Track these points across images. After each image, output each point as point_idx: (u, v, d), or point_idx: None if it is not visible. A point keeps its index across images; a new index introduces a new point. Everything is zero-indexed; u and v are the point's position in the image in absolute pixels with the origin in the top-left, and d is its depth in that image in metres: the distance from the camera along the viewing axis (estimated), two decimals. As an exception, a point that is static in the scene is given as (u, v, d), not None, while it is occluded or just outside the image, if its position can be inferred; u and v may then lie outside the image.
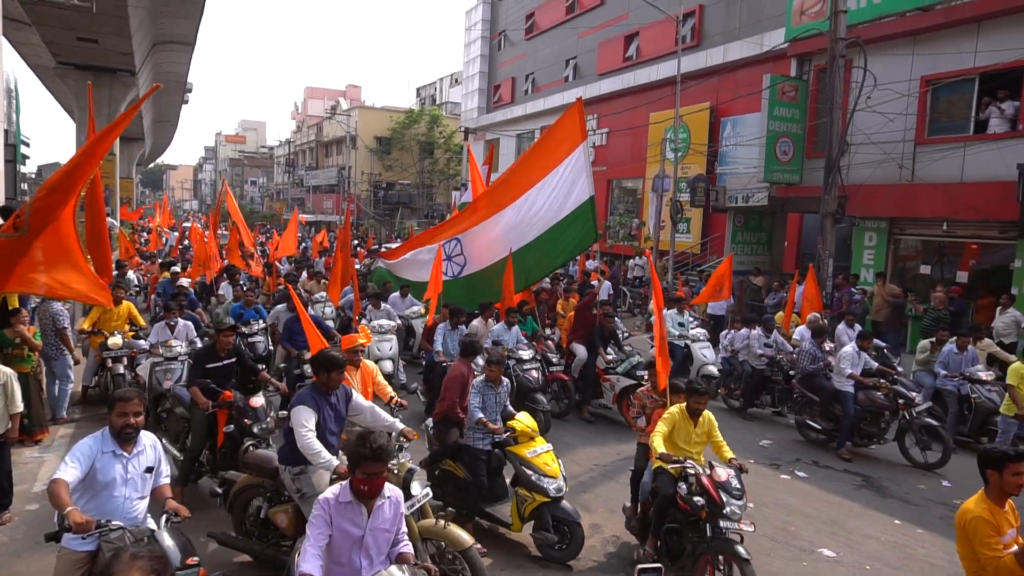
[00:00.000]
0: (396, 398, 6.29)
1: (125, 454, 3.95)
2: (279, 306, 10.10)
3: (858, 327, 11.38)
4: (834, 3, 12.57)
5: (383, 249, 27.28)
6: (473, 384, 6.30)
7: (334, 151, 58.21)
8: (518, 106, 33.28)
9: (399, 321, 11.97)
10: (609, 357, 10.11)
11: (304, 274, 16.16)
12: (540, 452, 5.94)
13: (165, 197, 37.94)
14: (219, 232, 17.75)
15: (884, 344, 11.30)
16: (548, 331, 11.77)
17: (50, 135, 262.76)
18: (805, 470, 8.41)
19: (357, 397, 5.23)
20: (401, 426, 5.29)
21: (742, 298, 16.84)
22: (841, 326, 11.36)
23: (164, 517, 3.93)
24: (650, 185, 22.47)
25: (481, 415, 6.06)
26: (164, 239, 28.89)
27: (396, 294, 12.46)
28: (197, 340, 8.89)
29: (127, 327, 9.50)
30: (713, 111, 20.53)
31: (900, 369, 10.72)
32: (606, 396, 10.19)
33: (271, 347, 10.34)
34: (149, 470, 4.07)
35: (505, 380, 6.45)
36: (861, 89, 12.96)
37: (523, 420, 6.21)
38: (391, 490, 3.72)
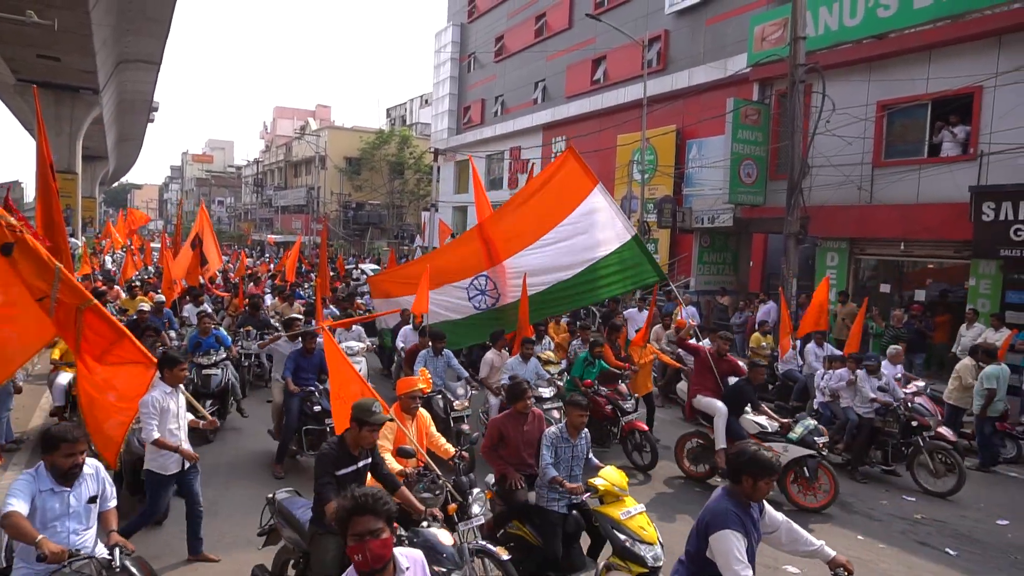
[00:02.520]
0: (460, 450, 5.63)
1: (66, 489, 3.86)
2: (279, 341, 9.17)
3: (828, 347, 11.56)
4: (793, 30, 12.94)
5: (364, 271, 27.14)
6: (545, 435, 5.46)
7: (303, 171, 57.89)
8: (488, 127, 33.51)
9: (369, 343, 11.80)
10: (759, 419, 8.10)
11: (276, 297, 15.88)
12: (634, 513, 5.15)
13: (129, 211, 37.20)
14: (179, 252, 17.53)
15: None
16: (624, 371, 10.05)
17: (10, 152, 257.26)
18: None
19: None
20: None
21: (709, 318, 17.06)
22: (810, 345, 11.49)
23: (117, 550, 3.82)
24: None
25: (555, 472, 5.25)
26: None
27: (408, 326, 11.33)
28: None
29: None
30: (679, 133, 20.90)
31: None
32: None
33: (234, 378, 9.74)
34: (93, 499, 3.98)
35: (585, 430, 5.58)
36: (820, 113, 13.32)
37: (610, 475, 5.36)
38: (408, 558, 2.88)
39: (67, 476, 3.83)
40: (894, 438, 8.77)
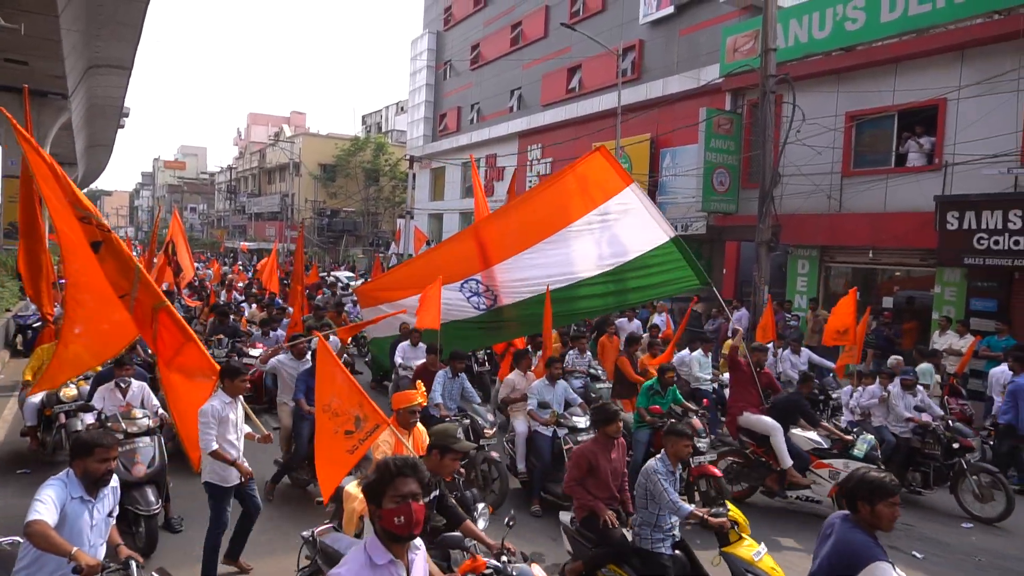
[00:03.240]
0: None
1: (92, 499, 3.76)
2: (280, 356, 8.18)
3: (806, 352, 11.69)
4: (764, 41, 13.17)
5: (339, 279, 26.97)
6: (654, 470, 4.88)
7: (277, 178, 57.40)
8: (464, 135, 33.54)
9: (346, 355, 11.49)
10: (809, 435, 7.83)
11: (253, 306, 15.66)
12: (763, 554, 4.84)
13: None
14: (154, 260, 17.28)
15: (831, 366, 11.68)
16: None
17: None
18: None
19: None
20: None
21: (683, 325, 17.18)
22: (786, 352, 11.61)
23: (134, 564, 3.70)
24: (593, 214, 22.83)
25: (690, 507, 4.82)
26: None
27: (406, 342, 10.60)
28: (159, 407, 6.92)
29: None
30: (653, 142, 21.11)
31: (838, 395, 11.11)
32: (817, 488, 7.58)
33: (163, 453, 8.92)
34: (111, 514, 3.92)
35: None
36: (791, 123, 13.56)
37: (735, 509, 5.06)
38: (416, 539, 2.87)
39: (98, 483, 3.74)
40: (936, 460, 8.10)
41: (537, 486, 7.49)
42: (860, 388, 8.96)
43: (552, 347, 8.77)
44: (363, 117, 62.18)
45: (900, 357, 9.99)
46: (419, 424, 5.50)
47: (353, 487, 4.84)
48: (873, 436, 7.62)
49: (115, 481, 4.00)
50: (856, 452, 7.41)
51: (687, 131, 18.51)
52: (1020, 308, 12.58)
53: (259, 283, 21.18)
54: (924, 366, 10.34)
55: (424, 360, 9.11)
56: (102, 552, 3.84)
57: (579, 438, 7.25)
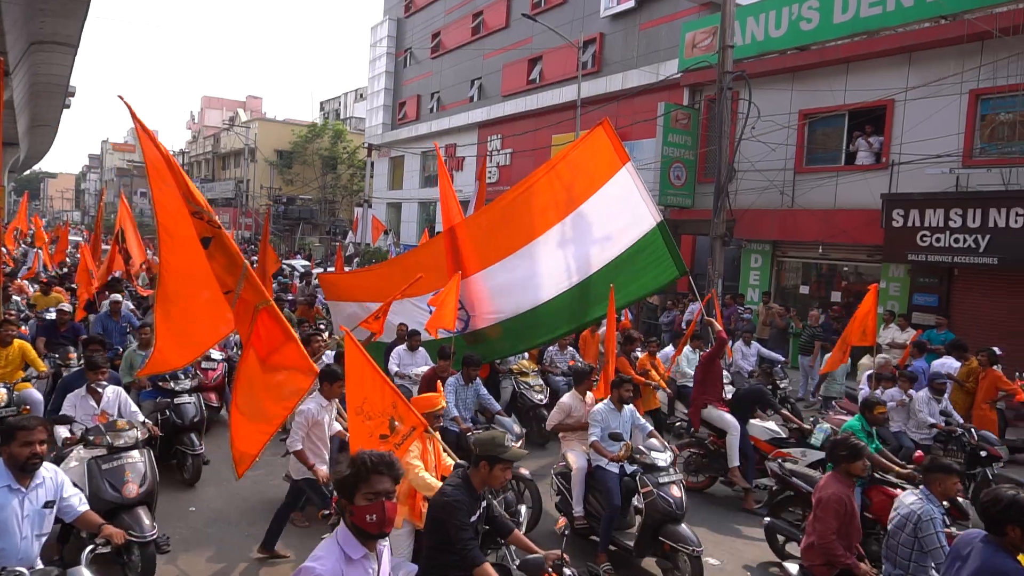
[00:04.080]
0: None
1: (22, 488, 3.61)
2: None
3: (756, 345, 11.91)
4: (722, 38, 13.34)
5: (295, 267, 26.51)
6: (929, 514, 4.18)
7: (232, 163, 56.14)
8: (423, 123, 33.27)
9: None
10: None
11: None
12: None
13: (23, 202, 35.61)
14: (102, 247, 16.75)
15: (781, 359, 11.93)
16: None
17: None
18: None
19: None
20: None
21: (638, 317, 17.42)
22: (738, 344, 11.80)
23: (88, 549, 3.67)
24: (552, 205, 22.91)
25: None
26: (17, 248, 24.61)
27: (402, 347, 9.42)
28: (139, 414, 6.20)
29: (20, 374, 7.66)
30: (612, 135, 21.23)
31: (785, 384, 11.38)
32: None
33: (203, 407, 7.99)
34: (49, 504, 3.74)
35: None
36: (746, 120, 13.79)
37: None
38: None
39: (25, 469, 3.59)
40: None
41: (605, 538, 6.00)
42: (879, 390, 8.51)
43: (614, 360, 7.57)
44: (321, 103, 61.19)
45: (888, 357, 9.81)
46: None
47: None
48: (829, 425, 7.69)
49: (56, 473, 3.88)
50: (813, 441, 7.51)
51: (645, 125, 18.68)
52: (959, 303, 13.09)
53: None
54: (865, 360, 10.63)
55: (428, 366, 8.47)
56: (38, 547, 3.71)
57: (660, 479, 5.92)
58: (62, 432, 5.70)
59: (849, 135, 15.17)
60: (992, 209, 11.87)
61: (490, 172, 27.41)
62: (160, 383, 7.68)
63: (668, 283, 8.75)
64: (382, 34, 37.16)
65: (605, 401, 6.55)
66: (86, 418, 5.81)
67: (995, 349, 9.48)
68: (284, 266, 27.04)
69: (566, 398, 7.03)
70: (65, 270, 19.34)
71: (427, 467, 4.63)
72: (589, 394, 7.02)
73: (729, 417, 7.75)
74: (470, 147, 28.96)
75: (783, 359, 12.15)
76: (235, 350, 10.13)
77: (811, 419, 8.77)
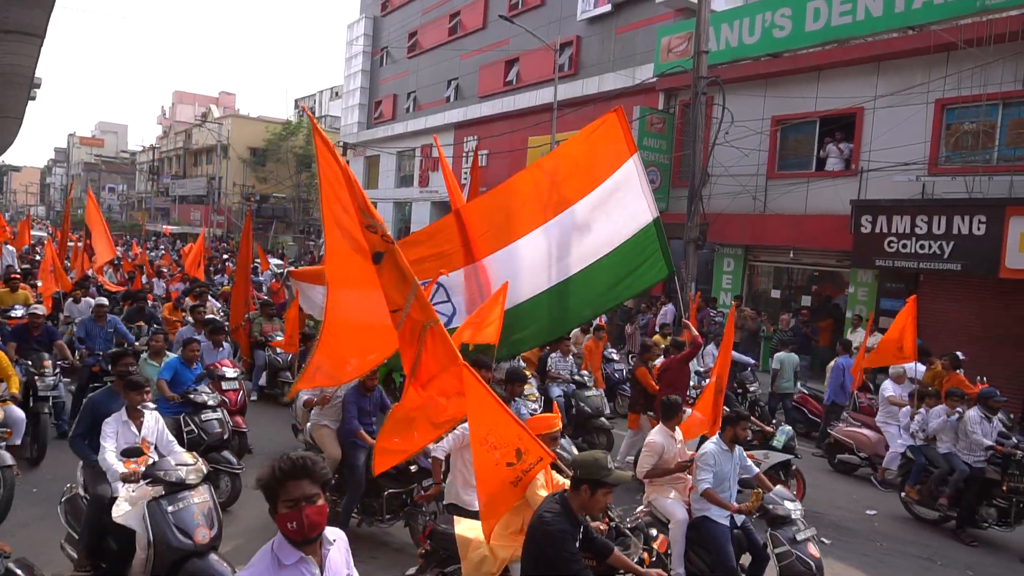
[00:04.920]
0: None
1: None
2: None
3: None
4: (697, 44, 13.48)
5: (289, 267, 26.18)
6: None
7: (204, 160, 55.33)
8: (399, 123, 33.12)
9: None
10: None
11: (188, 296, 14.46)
12: None
13: None
14: (68, 243, 16.42)
15: (751, 362, 12.07)
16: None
17: None
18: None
19: None
20: None
21: (612, 320, 17.52)
22: (709, 347, 11.73)
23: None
24: (528, 207, 22.96)
25: None
26: None
27: None
28: (175, 442, 5.51)
29: None
30: (588, 138, 21.34)
31: (755, 387, 11.53)
32: None
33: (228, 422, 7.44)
34: None
35: None
36: (720, 125, 13.96)
37: None
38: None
39: None
40: (1020, 494, 7.19)
41: None
42: (923, 409, 8.13)
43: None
44: (296, 101, 60.60)
45: (903, 368, 9.30)
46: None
47: (468, 529, 4.42)
48: (790, 428, 7.69)
49: None
50: (775, 443, 7.55)
51: (621, 128, 18.78)
52: (925, 309, 13.34)
53: (182, 269, 20.33)
54: (780, 355, 11.06)
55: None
56: None
57: (796, 535, 5.08)
58: (115, 465, 4.79)
59: (820, 142, 15.43)
60: (956, 216, 12.16)
61: (466, 173, 27.40)
62: (190, 395, 7.02)
63: (659, 281, 8.50)
64: (358, 32, 36.92)
65: (715, 440, 5.60)
66: (129, 447, 5.04)
67: (958, 353, 9.72)
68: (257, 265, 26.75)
69: (655, 436, 5.98)
70: (27, 266, 18.88)
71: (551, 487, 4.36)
72: (676, 429, 6.19)
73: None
74: (447, 148, 28.88)
75: (753, 362, 12.33)
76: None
77: (775, 421, 8.93)
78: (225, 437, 6.96)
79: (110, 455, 4.85)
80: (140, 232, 54.72)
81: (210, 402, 7.10)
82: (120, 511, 4.49)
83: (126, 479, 4.69)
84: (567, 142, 8.35)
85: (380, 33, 36.05)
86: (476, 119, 26.93)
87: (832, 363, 10.74)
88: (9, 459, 6.03)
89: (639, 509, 5.77)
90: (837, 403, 10.40)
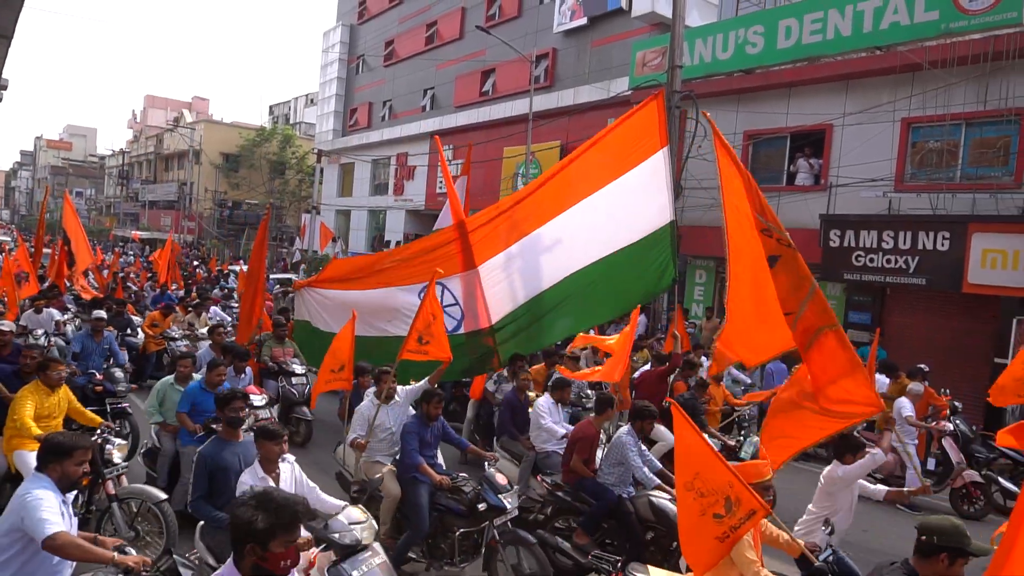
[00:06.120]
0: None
1: (65, 499, 3.63)
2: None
3: (734, 371, 11.65)
4: (671, 59, 13.66)
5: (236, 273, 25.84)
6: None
7: (175, 165, 54.59)
8: (375, 131, 33.01)
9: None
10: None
11: (176, 306, 13.70)
12: None
13: None
14: (44, 250, 16.06)
15: (748, 381, 11.94)
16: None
17: None
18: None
19: None
20: None
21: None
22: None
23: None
24: (503, 217, 23.01)
25: None
26: None
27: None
28: (316, 489, 4.79)
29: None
30: (563, 149, 21.46)
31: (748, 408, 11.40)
32: None
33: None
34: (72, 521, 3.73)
35: None
36: (693, 138, 14.13)
37: None
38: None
39: (74, 487, 3.69)
40: None
41: None
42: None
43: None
44: (271, 107, 60.10)
45: (921, 386, 9.27)
46: None
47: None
48: (758, 438, 7.51)
49: None
50: (743, 455, 7.63)
51: (596, 140, 18.93)
52: (891, 322, 13.63)
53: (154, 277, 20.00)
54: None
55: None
56: None
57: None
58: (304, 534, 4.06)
59: (791, 157, 15.69)
60: (921, 232, 12.44)
61: (441, 183, 27.38)
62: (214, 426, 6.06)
63: (666, 288, 8.28)
64: (335, 40, 36.80)
65: (842, 470, 5.47)
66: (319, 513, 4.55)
67: (923, 367, 9.88)
68: (229, 271, 26.42)
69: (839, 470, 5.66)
70: None
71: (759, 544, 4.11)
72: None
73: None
74: (422, 156, 28.86)
75: (749, 381, 12.03)
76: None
77: (743, 432, 8.91)
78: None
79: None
80: (108, 237, 53.74)
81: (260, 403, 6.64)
82: None
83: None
84: (604, 130, 8.03)
85: (356, 41, 35.97)
86: (452, 128, 26.94)
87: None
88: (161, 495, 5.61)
89: None
90: None
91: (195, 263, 31.10)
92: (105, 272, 19.43)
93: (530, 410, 7.52)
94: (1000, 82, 11.85)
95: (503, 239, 7.28)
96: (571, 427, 7.12)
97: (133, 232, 50.38)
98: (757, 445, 7.42)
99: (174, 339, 11.68)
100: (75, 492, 3.75)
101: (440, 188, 27.56)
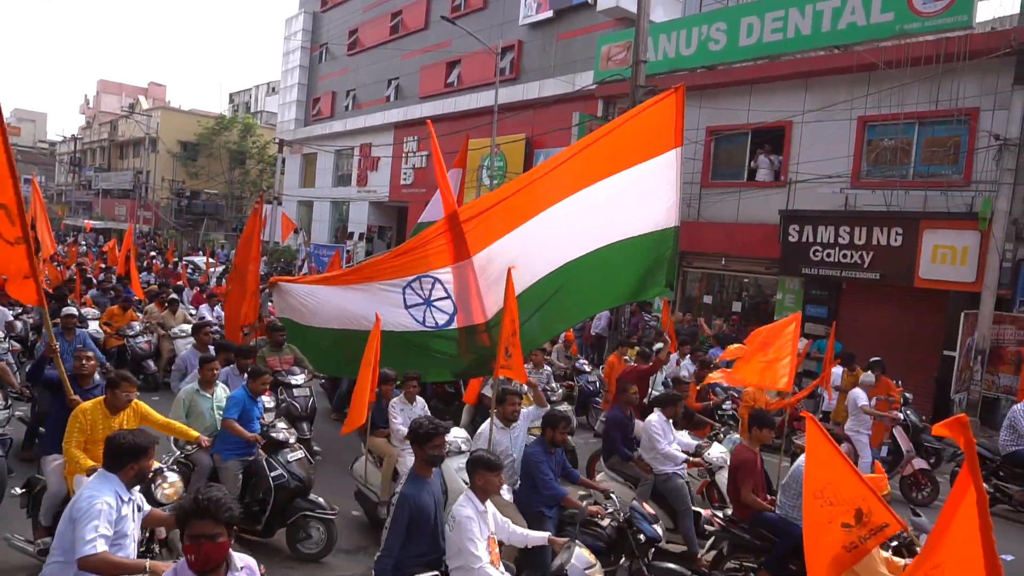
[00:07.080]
0: None
1: (131, 496, 3.73)
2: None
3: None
4: (636, 53, 13.75)
5: (197, 264, 25.26)
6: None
7: (130, 153, 53.14)
8: (337, 121, 32.58)
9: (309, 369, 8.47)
10: (680, 435, 7.31)
11: (152, 302, 13.03)
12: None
13: None
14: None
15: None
16: None
17: None
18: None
19: None
20: None
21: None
22: (685, 361, 11.11)
23: None
24: (468, 209, 22.95)
25: None
26: None
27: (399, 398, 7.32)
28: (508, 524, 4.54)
29: None
30: (528, 142, 21.50)
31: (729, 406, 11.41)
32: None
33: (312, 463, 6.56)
34: (139, 508, 3.86)
35: None
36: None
37: None
38: (243, 559, 2.97)
39: (140, 482, 3.80)
40: None
41: None
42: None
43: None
44: (231, 95, 58.95)
45: (873, 377, 9.40)
46: None
47: None
48: (738, 436, 7.70)
49: None
50: (714, 454, 7.56)
51: (560, 133, 19.01)
52: (846, 315, 13.98)
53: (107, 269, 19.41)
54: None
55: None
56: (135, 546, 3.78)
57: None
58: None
59: (751, 153, 15.95)
60: (876, 228, 12.79)
61: (405, 174, 27.19)
62: (271, 433, 6.16)
63: (660, 293, 8.04)
64: (297, 27, 36.18)
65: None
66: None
67: (879, 359, 10.15)
68: (187, 262, 25.85)
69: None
70: None
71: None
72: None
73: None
74: (386, 147, 28.59)
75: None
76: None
77: (721, 428, 8.88)
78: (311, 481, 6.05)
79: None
80: (59, 227, 52.13)
81: (291, 439, 6.20)
82: None
83: None
84: (618, 119, 7.69)
85: (320, 29, 35.42)
86: (416, 119, 26.74)
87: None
88: None
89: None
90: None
91: (152, 254, 30.34)
92: (60, 266, 18.73)
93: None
94: (951, 83, 12.21)
95: (500, 228, 6.77)
96: (682, 444, 6.97)
97: (86, 221, 48.91)
98: (737, 441, 7.40)
99: (132, 336, 11.22)
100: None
101: (404, 179, 27.34)
